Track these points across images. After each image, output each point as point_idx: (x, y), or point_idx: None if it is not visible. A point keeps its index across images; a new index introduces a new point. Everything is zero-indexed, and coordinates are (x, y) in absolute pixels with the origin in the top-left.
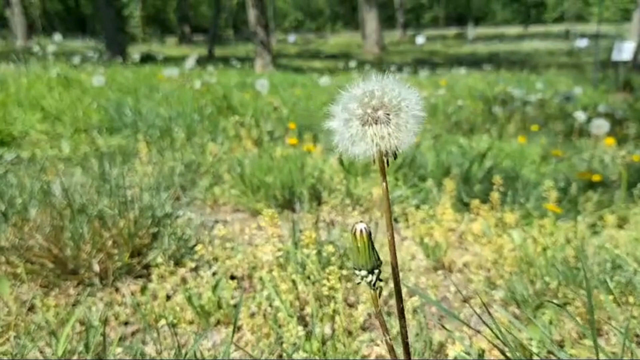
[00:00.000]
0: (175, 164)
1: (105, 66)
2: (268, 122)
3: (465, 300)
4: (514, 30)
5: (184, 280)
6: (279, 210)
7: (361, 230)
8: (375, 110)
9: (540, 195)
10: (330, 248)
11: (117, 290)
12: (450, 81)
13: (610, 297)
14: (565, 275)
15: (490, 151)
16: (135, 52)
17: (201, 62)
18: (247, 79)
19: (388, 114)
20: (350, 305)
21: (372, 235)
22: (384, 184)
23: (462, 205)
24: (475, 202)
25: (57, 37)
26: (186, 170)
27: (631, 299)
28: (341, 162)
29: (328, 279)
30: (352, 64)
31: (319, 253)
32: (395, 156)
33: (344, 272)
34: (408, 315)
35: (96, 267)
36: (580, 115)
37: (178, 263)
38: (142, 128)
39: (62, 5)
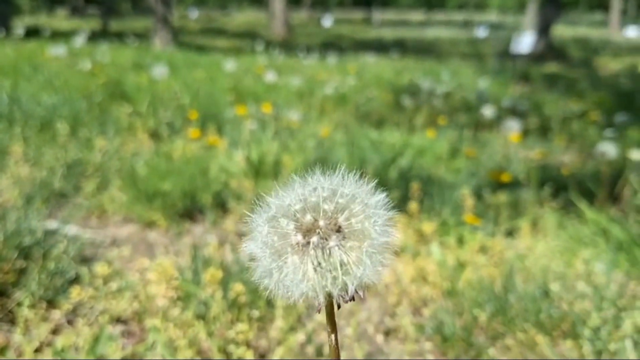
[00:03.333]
0: (57, 164)
1: None
2: (167, 111)
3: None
4: (417, 16)
5: (57, 330)
6: (179, 221)
7: None
8: (324, 235)
9: (456, 201)
10: (239, 287)
11: None
12: (359, 68)
13: (546, 336)
14: (494, 307)
15: (403, 149)
16: (20, 25)
17: (94, 37)
18: (145, 59)
19: (344, 240)
20: (262, 356)
21: None
22: (333, 337)
23: None
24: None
25: None
26: (69, 172)
27: (568, 343)
28: (249, 161)
29: (237, 342)
30: (259, 45)
31: (225, 290)
32: (352, 299)
33: (255, 312)
34: None
35: None
36: (486, 112)
37: (52, 303)
38: (20, 119)
39: None
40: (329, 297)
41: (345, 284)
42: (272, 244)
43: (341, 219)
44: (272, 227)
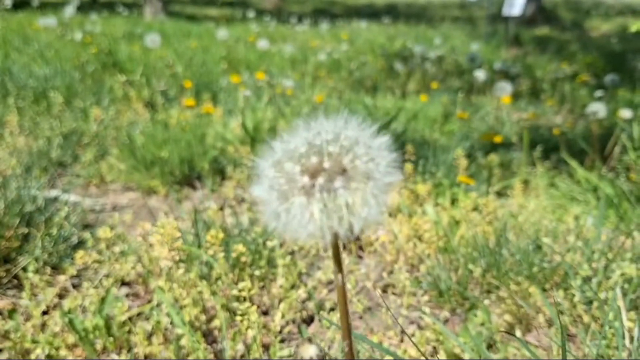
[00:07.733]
0: (53, 134)
1: None
2: (161, 80)
3: (385, 290)
4: None
5: (63, 294)
6: (178, 188)
7: None
8: (329, 177)
9: (450, 163)
10: (241, 247)
11: None
12: (352, 35)
13: (539, 288)
14: (488, 262)
15: (397, 114)
16: None
17: (83, 8)
18: (136, 29)
19: (349, 182)
20: (265, 313)
21: None
22: (340, 276)
23: None
24: None
25: None
26: (65, 142)
27: (560, 293)
28: (245, 127)
29: (240, 298)
30: (250, 13)
31: (226, 251)
32: (357, 238)
33: (256, 271)
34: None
35: None
36: (479, 75)
37: (56, 267)
38: (13, 90)
39: None
40: (335, 237)
41: (351, 224)
42: (278, 187)
43: (346, 161)
44: (278, 170)
